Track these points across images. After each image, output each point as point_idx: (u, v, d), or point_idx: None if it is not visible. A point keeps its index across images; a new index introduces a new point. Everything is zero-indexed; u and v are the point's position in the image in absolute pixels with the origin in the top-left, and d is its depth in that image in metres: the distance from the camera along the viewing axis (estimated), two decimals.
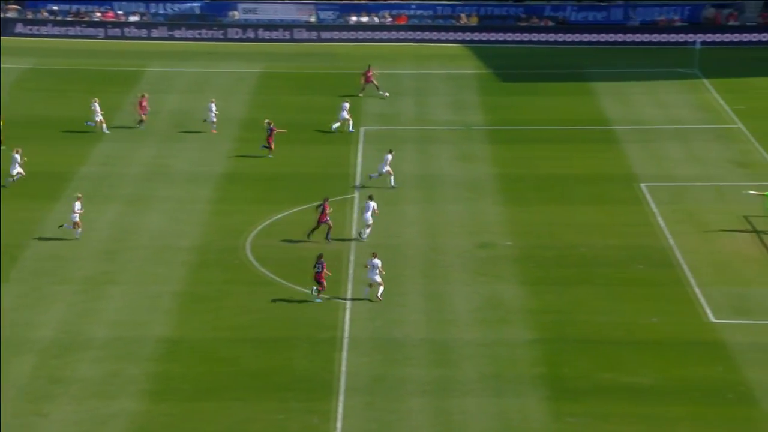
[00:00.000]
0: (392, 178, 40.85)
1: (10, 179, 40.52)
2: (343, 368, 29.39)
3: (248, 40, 64.00)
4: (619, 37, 63.59)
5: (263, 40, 63.91)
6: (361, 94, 52.13)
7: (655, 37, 63.07)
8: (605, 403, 27.61)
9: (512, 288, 33.88)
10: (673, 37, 62.66)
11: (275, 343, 30.78)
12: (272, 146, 44.36)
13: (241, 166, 43.99)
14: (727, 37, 61.98)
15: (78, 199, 36.93)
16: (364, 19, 65.47)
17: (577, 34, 63.89)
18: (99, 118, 46.92)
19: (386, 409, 27.70)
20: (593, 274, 34.56)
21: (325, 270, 32.72)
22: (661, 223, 38.14)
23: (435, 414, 27.48)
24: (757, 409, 27.13)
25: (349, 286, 33.79)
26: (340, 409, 27.66)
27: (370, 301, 32.63)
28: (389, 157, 41.19)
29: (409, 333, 31.27)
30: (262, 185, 42.01)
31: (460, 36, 64.63)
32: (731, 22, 63.63)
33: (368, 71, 52.84)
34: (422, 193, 41.26)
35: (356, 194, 40.75)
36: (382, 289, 32.86)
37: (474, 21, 65.65)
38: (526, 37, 64.33)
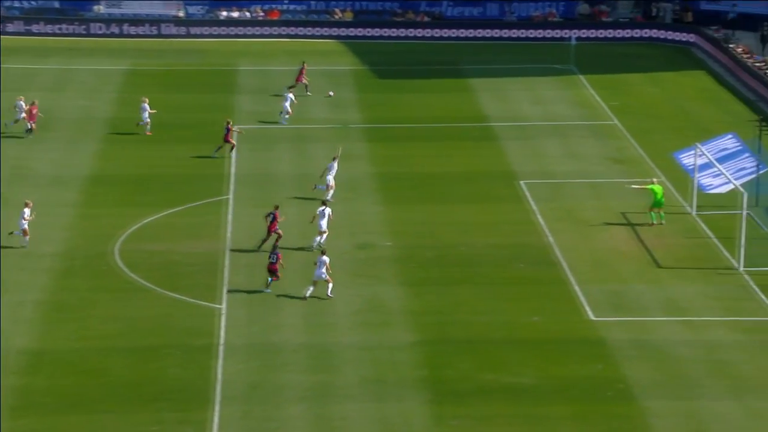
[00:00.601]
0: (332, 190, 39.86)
1: None
2: (219, 376, 29.05)
3: (113, 35, 62.75)
4: (496, 33, 64.55)
5: (129, 35, 62.77)
6: (309, 93, 51.46)
7: (531, 33, 64.27)
8: (488, 405, 27.96)
9: (393, 289, 34.04)
10: (549, 33, 63.95)
11: (147, 351, 30.23)
12: (233, 143, 43.60)
13: (108, 168, 43.08)
14: (601, 33, 63.53)
15: (27, 205, 35.80)
16: (235, 14, 64.91)
17: (454, 30, 64.66)
18: (22, 116, 45.57)
19: (264, 417, 27.50)
20: (474, 273, 35.00)
21: (280, 260, 32.79)
22: (541, 220, 38.87)
23: (315, 421, 27.41)
24: (636, 406, 27.85)
25: (224, 291, 33.43)
26: (216, 419, 27.33)
27: (315, 298, 32.75)
28: (334, 165, 40.47)
29: (287, 338, 31.12)
30: (131, 187, 41.23)
31: (335, 31, 64.69)
32: (605, 18, 65.33)
33: (302, 69, 52.06)
34: (299, 193, 41.06)
35: (230, 196, 40.35)
36: (331, 285, 33.01)
37: (349, 16, 65.82)
38: (402, 32, 64.79)
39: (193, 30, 63.54)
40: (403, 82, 55.51)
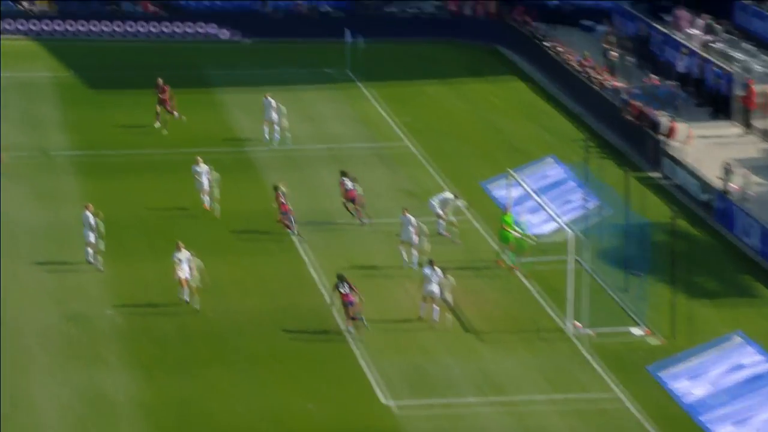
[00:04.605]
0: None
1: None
2: None
3: None
4: (248, 29, 65.02)
5: None
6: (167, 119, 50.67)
7: (296, 30, 65.04)
8: None
9: (117, 375, 33.58)
10: (317, 29, 64.75)
11: None
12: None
13: None
14: (386, 29, 64.79)
15: (179, 247, 36.77)
16: None
17: (190, 24, 64.82)
18: None
19: None
20: (228, 348, 34.94)
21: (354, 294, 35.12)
22: (314, 274, 39.23)
23: None
24: None
25: None
26: None
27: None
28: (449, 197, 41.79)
29: None
30: None
31: (24, 26, 63.73)
32: (389, 10, 66.90)
33: (163, 88, 50.84)
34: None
35: None
36: (449, 317, 35.92)
37: (44, 4, 64.91)
38: (119, 27, 64.47)
39: None
40: (123, 93, 55.04)
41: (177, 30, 64.90)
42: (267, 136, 50.03)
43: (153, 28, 64.71)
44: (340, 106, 55.03)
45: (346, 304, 35.43)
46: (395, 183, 46.80)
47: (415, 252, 39.46)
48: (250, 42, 61.93)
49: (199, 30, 64.87)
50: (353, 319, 35.38)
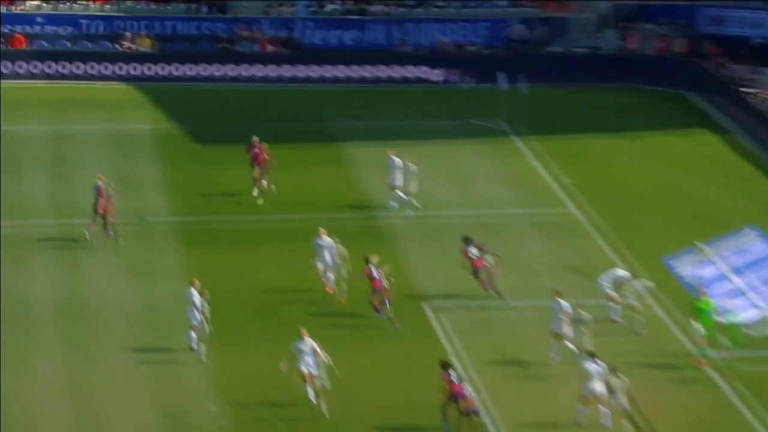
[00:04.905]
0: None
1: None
2: None
3: None
4: (382, 71, 65.29)
5: None
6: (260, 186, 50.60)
7: (436, 72, 65.09)
8: None
9: None
10: (464, 71, 64.77)
11: None
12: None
13: None
14: (548, 72, 64.49)
15: (302, 335, 36.65)
16: None
17: (315, 66, 65.24)
18: None
19: None
20: None
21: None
22: (457, 365, 38.69)
23: None
24: None
25: None
26: None
27: None
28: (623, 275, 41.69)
29: None
30: None
31: (123, 69, 64.79)
32: (554, 49, 66.79)
33: (256, 147, 50.69)
34: (70, 333, 40.49)
35: None
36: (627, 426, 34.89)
37: (146, 44, 65.90)
38: (231, 69, 65.10)
39: None
40: (234, 149, 55.27)
41: (297, 73, 65.22)
42: (395, 203, 49.74)
43: (272, 71, 65.15)
44: (491, 164, 54.91)
45: (456, 397, 34.68)
46: (557, 257, 46.36)
47: (569, 345, 38.57)
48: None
49: (325, 73, 65.03)
50: (466, 415, 34.50)
